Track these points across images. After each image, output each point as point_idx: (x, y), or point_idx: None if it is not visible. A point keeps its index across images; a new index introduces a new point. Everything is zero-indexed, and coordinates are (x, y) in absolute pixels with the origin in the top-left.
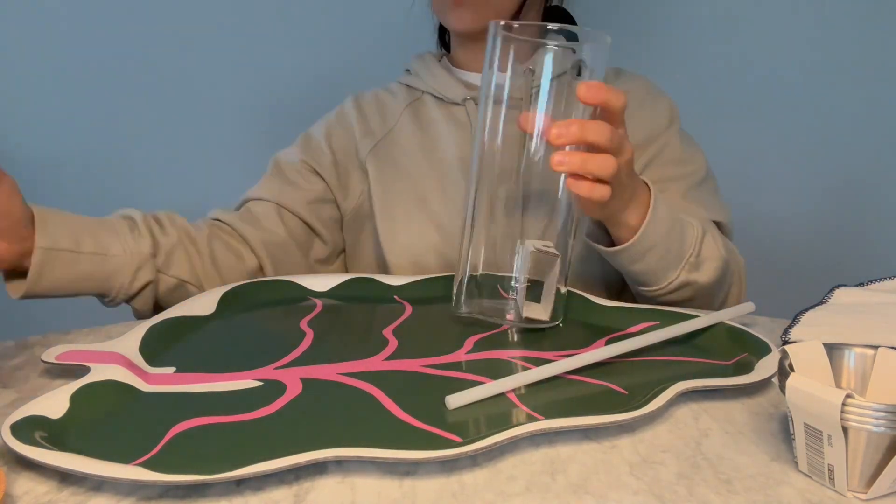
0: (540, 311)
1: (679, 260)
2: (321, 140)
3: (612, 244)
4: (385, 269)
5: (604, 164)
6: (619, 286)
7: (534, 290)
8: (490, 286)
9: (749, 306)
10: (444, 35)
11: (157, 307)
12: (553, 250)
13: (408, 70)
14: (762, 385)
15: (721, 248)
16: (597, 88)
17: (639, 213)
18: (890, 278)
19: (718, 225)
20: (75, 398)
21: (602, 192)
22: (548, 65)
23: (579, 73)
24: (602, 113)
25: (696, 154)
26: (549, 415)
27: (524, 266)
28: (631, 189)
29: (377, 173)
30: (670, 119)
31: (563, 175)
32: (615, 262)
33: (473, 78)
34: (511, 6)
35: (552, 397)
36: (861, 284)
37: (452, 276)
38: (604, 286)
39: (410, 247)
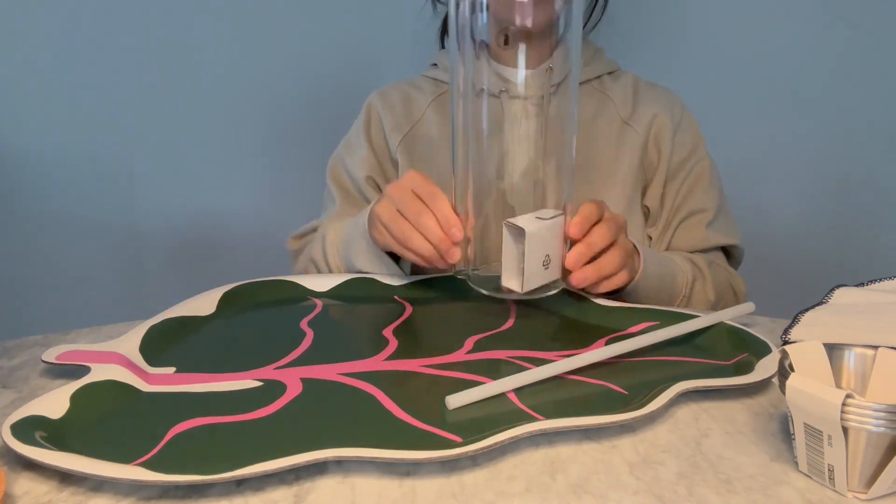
0: (512, 282)
1: (670, 305)
2: (365, 147)
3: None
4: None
5: (614, 262)
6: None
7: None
8: (484, 255)
9: (749, 306)
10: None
11: None
12: (519, 224)
13: (434, 64)
14: (762, 385)
15: (710, 292)
16: (580, 225)
17: (632, 270)
18: (890, 278)
19: (733, 247)
20: (75, 398)
21: (620, 280)
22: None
23: (506, 43)
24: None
25: (717, 176)
26: (549, 415)
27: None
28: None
29: (407, 165)
30: (697, 139)
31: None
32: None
33: (509, 73)
34: None
35: (552, 397)
36: (861, 284)
37: (452, 276)
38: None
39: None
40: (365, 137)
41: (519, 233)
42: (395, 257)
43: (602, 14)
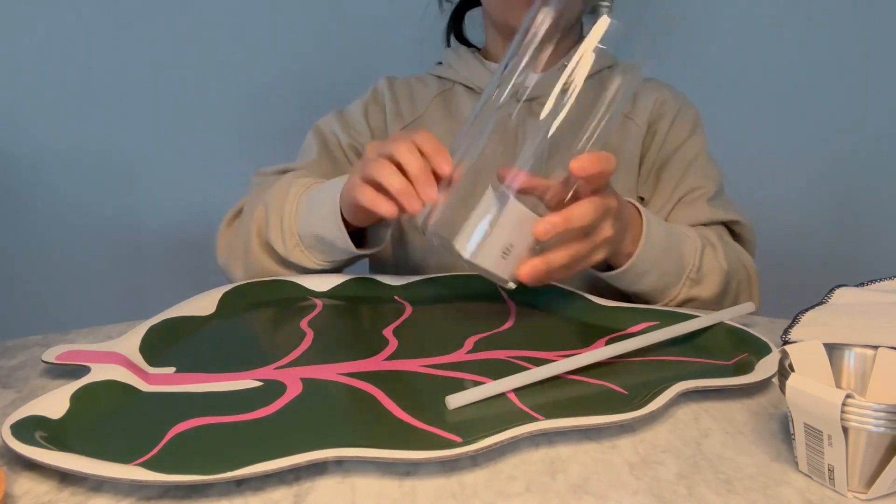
0: (463, 243)
1: (679, 277)
2: (360, 119)
3: (609, 267)
4: (404, 259)
5: (567, 256)
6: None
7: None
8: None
9: (749, 306)
10: (456, 33)
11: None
12: (506, 190)
13: (439, 63)
14: (762, 385)
15: (722, 261)
16: (590, 162)
17: (634, 238)
18: (890, 278)
19: (738, 223)
20: (75, 398)
21: (592, 260)
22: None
23: (594, 11)
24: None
25: (714, 160)
26: (549, 415)
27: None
28: (621, 226)
29: None
30: (694, 126)
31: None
32: (616, 284)
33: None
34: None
35: (552, 397)
36: (861, 284)
37: (454, 277)
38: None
39: (422, 239)
40: (363, 115)
41: (501, 200)
42: (356, 236)
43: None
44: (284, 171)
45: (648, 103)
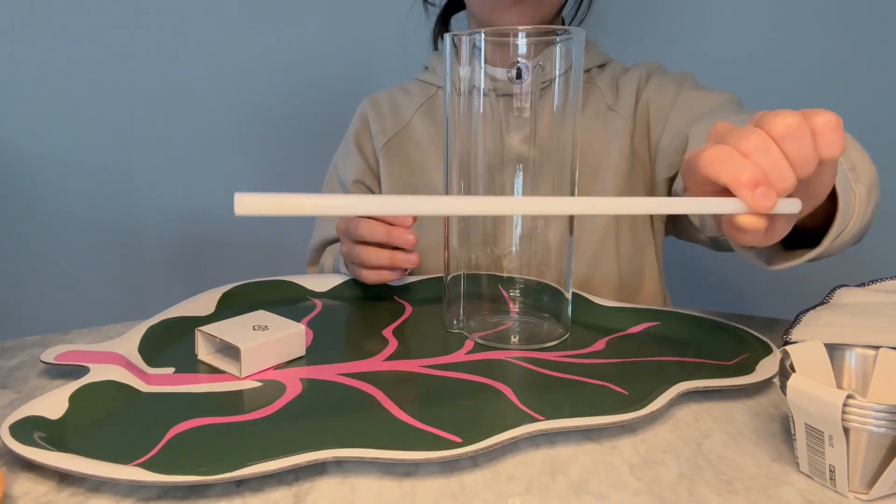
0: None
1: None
2: (356, 154)
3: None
4: None
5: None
6: (633, 288)
7: (539, 295)
8: (485, 292)
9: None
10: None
11: None
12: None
13: (426, 68)
14: (763, 386)
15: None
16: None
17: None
18: (890, 278)
19: None
20: (74, 398)
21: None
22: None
23: (519, 76)
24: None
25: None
26: (549, 415)
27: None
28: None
29: (388, 168)
30: (684, 76)
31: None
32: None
33: (498, 73)
34: (558, 4)
35: (552, 397)
36: (862, 284)
37: (453, 276)
38: (618, 287)
39: (421, 240)
40: (354, 143)
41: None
42: None
43: (588, 9)
44: (317, 248)
45: (630, 90)
